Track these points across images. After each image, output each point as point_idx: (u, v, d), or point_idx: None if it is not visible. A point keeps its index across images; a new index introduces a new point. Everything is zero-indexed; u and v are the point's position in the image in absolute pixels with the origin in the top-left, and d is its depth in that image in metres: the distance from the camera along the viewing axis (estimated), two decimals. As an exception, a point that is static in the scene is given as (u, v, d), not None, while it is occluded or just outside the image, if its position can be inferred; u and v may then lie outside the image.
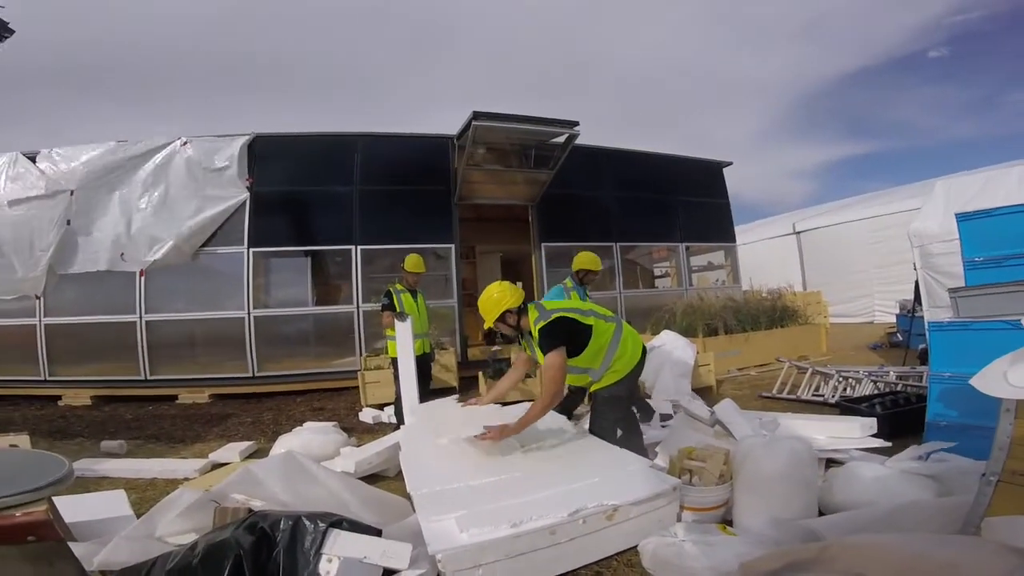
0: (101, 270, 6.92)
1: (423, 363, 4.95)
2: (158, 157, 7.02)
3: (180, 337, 7.04)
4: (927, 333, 4.35)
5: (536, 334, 2.84)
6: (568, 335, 2.84)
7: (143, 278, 6.93)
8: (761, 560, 1.34)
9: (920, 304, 6.24)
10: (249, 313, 6.93)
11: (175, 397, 6.74)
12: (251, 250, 7.02)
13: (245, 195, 7.05)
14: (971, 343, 3.05)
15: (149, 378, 6.91)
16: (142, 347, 6.89)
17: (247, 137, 7.16)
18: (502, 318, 2.93)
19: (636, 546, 2.20)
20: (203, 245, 7.02)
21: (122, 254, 6.89)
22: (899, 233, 7.37)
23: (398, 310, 4.78)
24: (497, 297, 2.94)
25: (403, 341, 4.62)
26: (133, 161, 6.98)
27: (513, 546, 2.03)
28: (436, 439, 3.07)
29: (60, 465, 1.52)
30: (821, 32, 37.22)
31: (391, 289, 4.94)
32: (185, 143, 7.05)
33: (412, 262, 5.02)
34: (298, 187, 7.45)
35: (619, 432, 3.03)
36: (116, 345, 6.93)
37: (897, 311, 8.66)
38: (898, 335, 7.99)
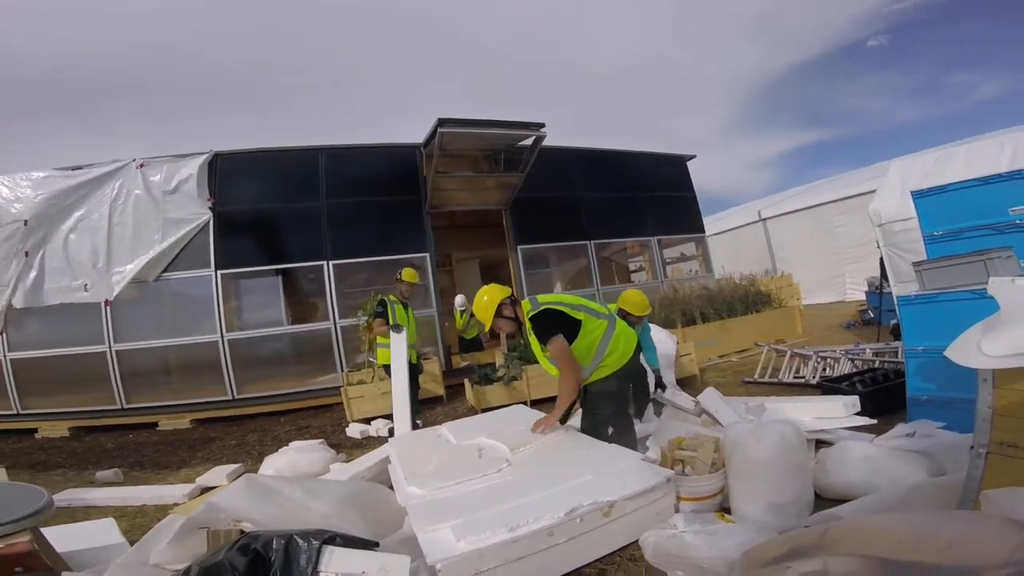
0: (66, 303, 6.67)
1: (413, 372, 5.00)
2: (114, 181, 6.79)
3: (154, 364, 6.82)
4: (897, 308, 4.49)
5: (529, 325, 2.94)
6: (557, 325, 2.86)
7: (109, 307, 6.69)
8: (763, 547, 1.34)
9: (887, 281, 6.44)
10: (222, 336, 6.74)
11: (155, 424, 6.56)
12: (219, 272, 6.84)
13: (208, 215, 6.87)
14: (940, 315, 3.14)
15: (126, 406, 6.70)
16: (115, 376, 6.68)
17: (206, 155, 6.96)
18: (499, 312, 2.98)
19: (637, 540, 2.20)
20: (167, 270, 6.81)
21: (85, 285, 6.65)
22: (862, 216, 7.62)
23: (391, 321, 4.84)
24: (488, 297, 2.99)
25: (397, 352, 4.65)
26: (88, 187, 6.74)
27: (512, 550, 2.01)
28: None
29: (39, 496, 1.47)
30: (771, 25, 38.54)
31: (385, 299, 5.05)
32: (141, 165, 6.83)
33: (410, 273, 5.18)
34: (263, 204, 7.28)
35: (611, 430, 3.03)
36: (88, 376, 6.70)
37: (866, 289, 8.92)
38: (870, 312, 8.23)
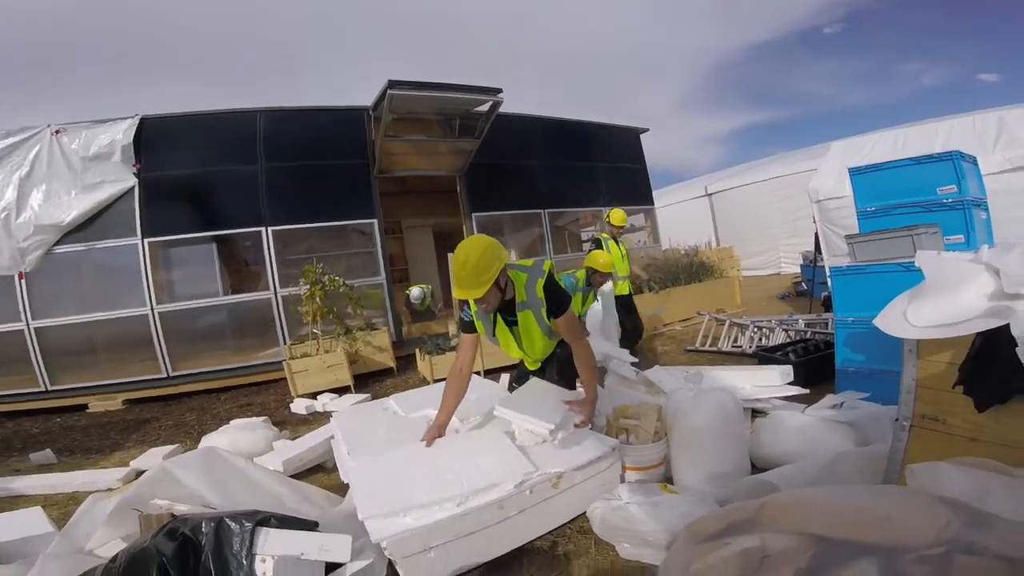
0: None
1: (628, 303, 5.65)
2: (26, 148, 6.11)
3: (79, 342, 6.31)
4: (829, 280, 4.72)
5: (542, 295, 2.46)
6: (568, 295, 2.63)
7: (23, 281, 6.11)
8: (704, 521, 1.37)
9: (821, 254, 6.78)
10: (152, 309, 6.31)
11: (85, 406, 6.14)
12: (146, 240, 6.35)
13: (133, 182, 6.33)
14: (869, 287, 3.32)
15: (50, 388, 6.21)
16: (35, 356, 6.14)
17: (131, 120, 6.36)
18: (497, 282, 2.32)
19: (586, 512, 2.23)
20: (89, 240, 6.26)
21: None
22: (801, 191, 7.92)
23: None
24: (491, 255, 2.27)
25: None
26: (-5, 154, 6.04)
27: (462, 525, 1.99)
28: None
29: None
30: (730, 8, 38.94)
31: (600, 238, 5.48)
32: (57, 131, 6.17)
33: (619, 216, 5.67)
34: (195, 169, 6.74)
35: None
36: (5, 357, 6.13)
37: (801, 262, 9.38)
38: (803, 284, 8.68)
